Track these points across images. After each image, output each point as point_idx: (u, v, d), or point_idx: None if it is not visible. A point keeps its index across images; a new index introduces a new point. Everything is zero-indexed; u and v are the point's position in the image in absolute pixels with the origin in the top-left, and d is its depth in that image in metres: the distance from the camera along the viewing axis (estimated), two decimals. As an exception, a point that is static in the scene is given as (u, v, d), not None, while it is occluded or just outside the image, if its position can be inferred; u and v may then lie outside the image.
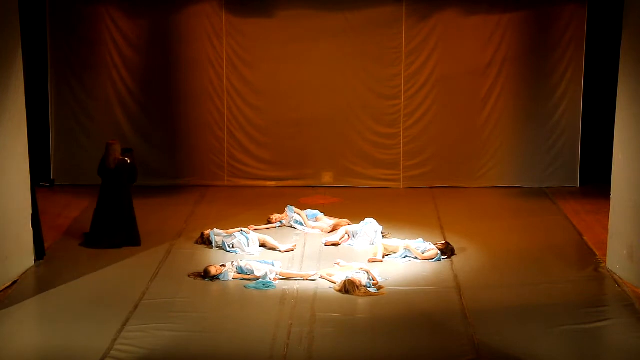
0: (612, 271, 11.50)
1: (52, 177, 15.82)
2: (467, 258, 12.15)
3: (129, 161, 12.73)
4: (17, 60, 11.22)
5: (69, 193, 15.26)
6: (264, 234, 12.80)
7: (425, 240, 12.33)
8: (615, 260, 11.49)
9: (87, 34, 15.59)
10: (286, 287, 11.01)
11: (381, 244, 12.27)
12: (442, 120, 15.78)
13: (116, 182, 12.61)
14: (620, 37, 11.51)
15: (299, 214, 13.52)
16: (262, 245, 12.49)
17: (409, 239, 12.37)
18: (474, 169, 15.86)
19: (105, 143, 12.90)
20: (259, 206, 14.47)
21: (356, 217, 13.34)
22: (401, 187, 15.89)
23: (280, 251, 12.36)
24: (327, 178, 15.91)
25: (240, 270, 11.29)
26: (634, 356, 9.26)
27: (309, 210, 13.65)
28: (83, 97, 15.75)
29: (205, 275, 11.29)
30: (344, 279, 10.88)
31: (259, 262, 11.53)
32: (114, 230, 12.57)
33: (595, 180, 15.40)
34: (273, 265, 11.48)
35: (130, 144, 15.77)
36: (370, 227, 12.84)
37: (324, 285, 11.06)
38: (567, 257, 12.22)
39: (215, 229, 12.66)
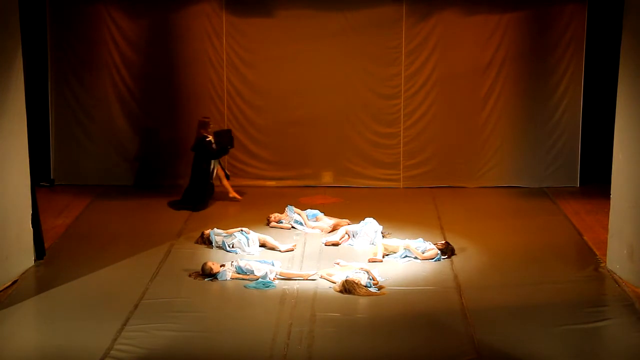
0: (612, 271, 11.50)
1: (52, 177, 15.82)
2: (467, 258, 12.15)
3: (207, 138, 14.44)
4: (17, 60, 11.21)
5: (69, 193, 15.26)
6: (264, 233, 12.81)
7: (425, 240, 12.33)
8: (615, 260, 11.49)
9: (87, 34, 15.59)
10: (286, 287, 11.01)
11: (381, 243, 12.27)
12: (442, 120, 15.78)
13: (196, 155, 14.59)
14: (620, 37, 11.51)
15: (299, 214, 13.52)
16: (262, 245, 12.49)
17: (409, 239, 12.37)
18: (474, 169, 15.86)
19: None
20: (259, 206, 14.47)
21: (356, 217, 13.34)
22: (401, 187, 15.89)
23: (280, 251, 12.36)
24: (327, 178, 15.91)
25: (240, 270, 11.29)
26: (634, 356, 9.26)
27: (309, 210, 13.65)
28: (83, 97, 15.76)
29: (203, 271, 11.29)
30: (344, 279, 10.88)
31: (259, 262, 11.53)
32: (186, 195, 14.48)
33: (595, 180, 15.40)
34: (273, 265, 11.48)
35: (130, 143, 15.84)
36: (370, 227, 12.84)
37: (324, 285, 11.06)
38: (567, 257, 12.22)
39: (215, 228, 12.67)
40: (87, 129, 15.84)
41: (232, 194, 14.91)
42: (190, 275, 11.38)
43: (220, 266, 11.38)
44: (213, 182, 14.78)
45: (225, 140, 14.85)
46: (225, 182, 14.95)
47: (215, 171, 14.76)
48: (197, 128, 14.75)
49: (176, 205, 14.47)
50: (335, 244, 12.72)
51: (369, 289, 10.84)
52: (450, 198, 15.16)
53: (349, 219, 13.44)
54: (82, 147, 15.85)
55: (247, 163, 15.94)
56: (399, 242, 12.29)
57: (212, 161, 14.70)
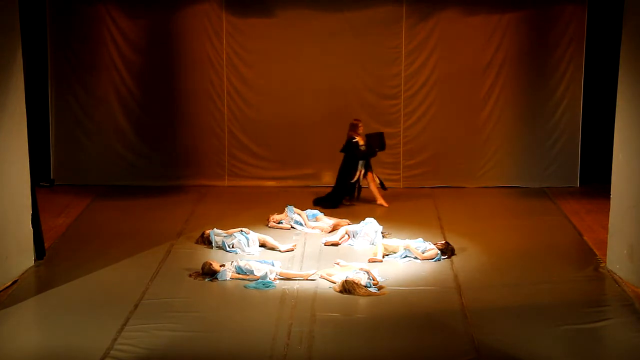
0: (612, 271, 11.50)
1: (52, 177, 15.83)
2: (467, 258, 12.15)
3: (354, 139, 14.53)
4: (17, 61, 11.21)
5: (69, 193, 15.27)
6: (264, 234, 12.80)
7: (425, 240, 12.33)
8: (615, 260, 11.49)
9: (87, 34, 15.60)
10: (286, 287, 11.01)
11: (381, 244, 12.27)
12: (442, 120, 15.78)
13: (345, 157, 14.70)
14: (620, 37, 11.51)
15: (299, 214, 13.52)
16: (262, 245, 12.49)
17: (409, 239, 12.37)
18: (474, 169, 15.86)
19: None
20: (259, 206, 14.47)
21: (356, 217, 13.34)
22: (401, 187, 15.88)
23: (280, 251, 12.36)
24: (327, 178, 15.90)
25: (240, 271, 11.28)
26: (634, 355, 9.26)
27: (308, 211, 13.65)
28: (83, 97, 15.76)
29: (204, 270, 11.28)
30: (344, 279, 10.88)
31: (259, 262, 11.53)
32: (330, 194, 14.69)
33: (595, 180, 15.40)
34: (273, 265, 11.47)
35: (130, 143, 15.84)
36: (370, 227, 12.84)
37: (324, 285, 11.06)
38: (567, 257, 12.22)
39: (215, 228, 12.66)
40: (87, 129, 15.84)
41: (380, 200, 14.72)
42: (190, 275, 11.38)
43: (220, 266, 11.38)
44: (360, 184, 14.73)
45: (375, 143, 14.74)
46: (373, 186, 14.74)
47: (361, 173, 14.63)
48: (348, 130, 14.72)
49: (318, 202, 14.52)
50: (335, 244, 12.72)
51: (369, 289, 10.84)
52: (450, 198, 15.16)
53: (349, 219, 13.44)
54: (82, 147, 15.85)
55: (247, 163, 15.95)
56: (399, 242, 12.29)
57: (360, 163, 14.62)
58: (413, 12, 15.53)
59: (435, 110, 15.78)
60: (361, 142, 14.62)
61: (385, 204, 14.66)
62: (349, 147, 14.67)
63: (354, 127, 14.68)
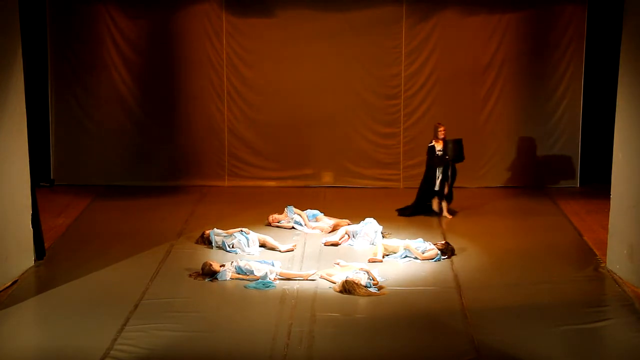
0: (612, 271, 11.50)
1: (52, 177, 15.83)
2: (467, 258, 12.15)
3: (430, 144, 14.13)
4: (17, 61, 11.21)
5: (69, 193, 15.27)
6: (264, 234, 12.80)
7: (425, 240, 12.33)
8: (615, 260, 11.49)
9: (87, 34, 15.60)
10: (286, 287, 11.01)
11: (381, 244, 12.27)
12: (442, 120, 15.73)
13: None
14: (620, 37, 11.51)
15: (299, 214, 13.52)
16: (262, 245, 12.49)
17: (409, 239, 12.38)
18: (474, 169, 15.85)
19: None
20: (259, 206, 14.47)
21: (356, 217, 13.34)
22: (401, 186, 15.88)
23: (280, 251, 12.36)
24: (327, 178, 15.92)
25: (240, 271, 11.28)
26: (634, 355, 9.26)
27: (308, 211, 13.65)
28: (83, 97, 15.76)
29: (204, 271, 11.28)
30: (344, 279, 10.88)
31: (259, 262, 11.53)
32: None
33: (595, 180, 15.41)
34: (273, 265, 11.47)
35: (130, 143, 15.84)
36: (370, 227, 12.84)
37: (324, 285, 11.06)
38: (567, 257, 12.22)
39: (215, 228, 12.66)
40: (87, 129, 15.84)
41: (444, 211, 14.19)
42: (190, 275, 11.38)
43: (220, 266, 11.38)
44: (436, 189, 14.19)
45: (451, 149, 14.15)
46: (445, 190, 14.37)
47: (440, 179, 14.19)
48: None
49: (401, 210, 14.27)
50: (335, 244, 12.72)
51: (369, 289, 10.84)
52: (450, 198, 15.16)
53: (349, 219, 13.44)
54: (82, 147, 15.86)
55: (248, 163, 15.95)
56: (399, 242, 12.29)
57: (438, 169, 14.16)
58: (413, 12, 15.53)
59: (435, 110, 15.77)
60: (438, 147, 14.20)
61: (448, 216, 14.14)
62: (427, 152, 14.33)
63: (434, 131, 14.27)
